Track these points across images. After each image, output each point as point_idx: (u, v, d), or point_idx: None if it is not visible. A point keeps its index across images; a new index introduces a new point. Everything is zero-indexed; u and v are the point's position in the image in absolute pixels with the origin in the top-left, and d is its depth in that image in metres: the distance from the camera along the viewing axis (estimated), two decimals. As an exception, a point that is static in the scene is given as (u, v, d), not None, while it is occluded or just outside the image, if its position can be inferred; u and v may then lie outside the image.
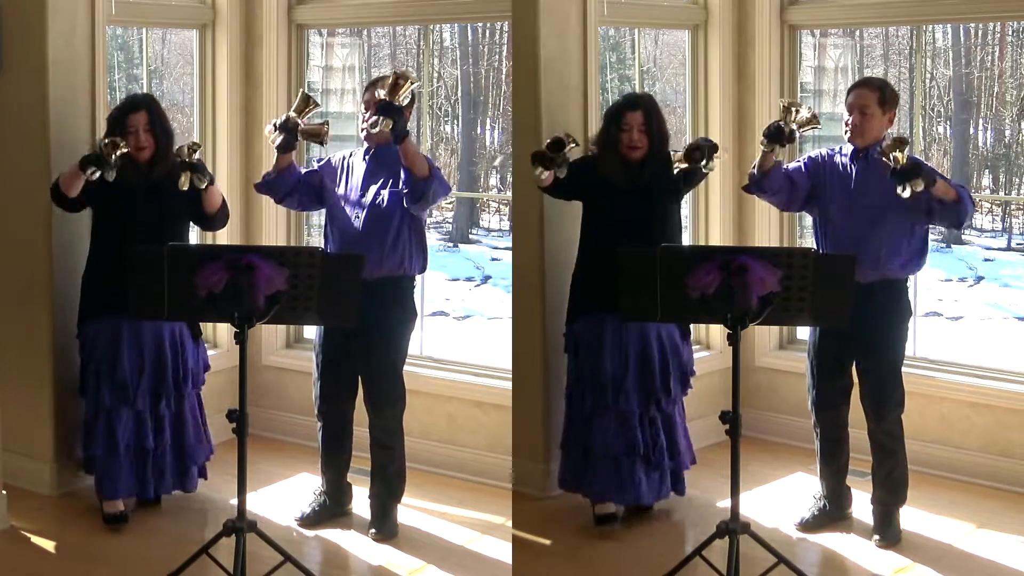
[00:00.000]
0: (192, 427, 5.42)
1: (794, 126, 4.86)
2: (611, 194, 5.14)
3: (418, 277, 5.28)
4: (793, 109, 4.88)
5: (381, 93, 4.88)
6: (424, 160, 4.98)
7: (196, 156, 5.05)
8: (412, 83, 4.86)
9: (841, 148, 5.15)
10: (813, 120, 4.90)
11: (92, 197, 5.16)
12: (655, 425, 5.22)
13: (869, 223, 4.96)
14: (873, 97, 5.01)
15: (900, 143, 4.69)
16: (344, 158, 5.28)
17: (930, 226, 5.06)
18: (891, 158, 4.67)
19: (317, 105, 5.10)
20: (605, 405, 5.18)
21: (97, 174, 4.95)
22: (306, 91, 5.32)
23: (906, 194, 4.68)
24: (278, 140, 5.02)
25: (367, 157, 5.19)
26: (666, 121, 5.28)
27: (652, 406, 5.20)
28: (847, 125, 5.04)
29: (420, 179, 4.96)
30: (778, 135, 4.86)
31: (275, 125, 5.04)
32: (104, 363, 5.24)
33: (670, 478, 5.32)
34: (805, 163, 5.19)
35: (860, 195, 5.02)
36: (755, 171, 5.05)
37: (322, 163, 5.32)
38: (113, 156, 4.95)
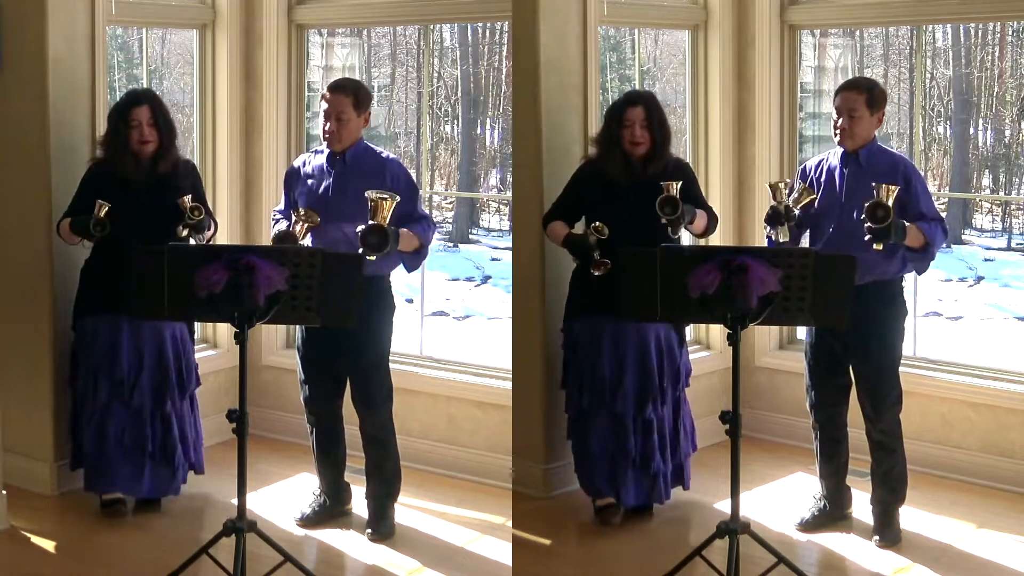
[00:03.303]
0: (197, 426, 5.47)
1: (789, 202, 4.95)
2: (614, 194, 5.14)
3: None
4: (781, 186, 4.98)
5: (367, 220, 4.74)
6: (412, 237, 4.95)
7: (197, 216, 5.02)
8: (395, 201, 4.74)
9: (830, 154, 5.16)
10: (805, 194, 4.99)
11: (95, 192, 5.13)
12: (649, 428, 5.22)
13: (859, 225, 4.96)
14: (861, 99, 5.00)
15: (878, 208, 4.68)
16: (304, 163, 5.24)
17: None
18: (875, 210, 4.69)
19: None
20: (601, 406, 5.21)
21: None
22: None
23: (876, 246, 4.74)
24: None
25: (332, 165, 5.10)
26: (667, 118, 5.28)
27: (647, 409, 5.20)
28: (835, 128, 5.04)
29: (413, 254, 5.01)
30: (776, 217, 4.95)
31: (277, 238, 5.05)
32: (103, 360, 5.23)
33: (671, 477, 5.33)
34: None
35: (850, 198, 5.01)
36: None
37: (289, 174, 5.31)
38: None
